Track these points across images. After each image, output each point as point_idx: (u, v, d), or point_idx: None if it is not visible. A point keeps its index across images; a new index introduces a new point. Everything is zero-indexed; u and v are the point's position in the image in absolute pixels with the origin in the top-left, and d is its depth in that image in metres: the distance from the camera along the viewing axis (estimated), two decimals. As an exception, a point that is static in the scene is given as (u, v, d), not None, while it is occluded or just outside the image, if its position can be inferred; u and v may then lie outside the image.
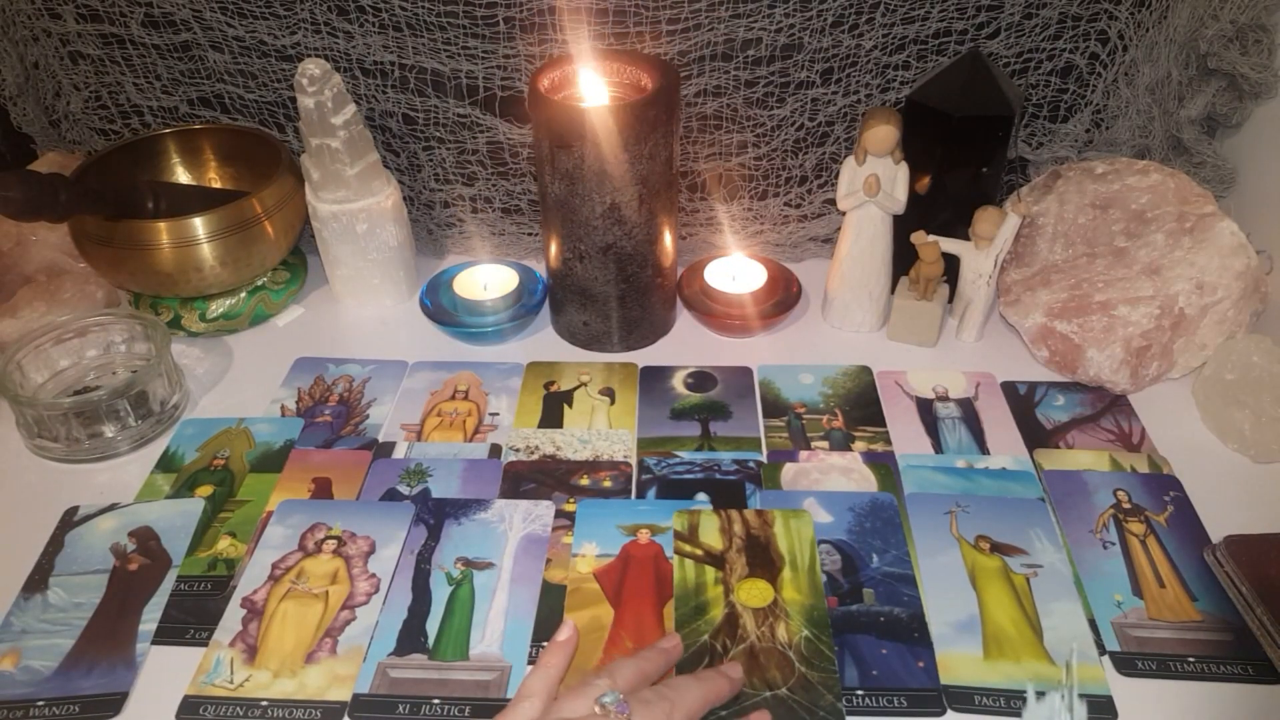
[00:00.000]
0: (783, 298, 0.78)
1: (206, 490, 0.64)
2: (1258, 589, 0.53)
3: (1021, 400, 0.71)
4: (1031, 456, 0.66)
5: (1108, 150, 0.82)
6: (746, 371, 0.75)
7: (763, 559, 0.58)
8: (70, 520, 0.62)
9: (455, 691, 0.51)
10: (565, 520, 0.61)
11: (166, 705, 0.51)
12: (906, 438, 0.68)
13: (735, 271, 0.80)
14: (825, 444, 0.68)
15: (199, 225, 0.72)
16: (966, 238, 0.73)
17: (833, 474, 0.64)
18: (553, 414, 0.71)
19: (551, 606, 0.56)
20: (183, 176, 0.84)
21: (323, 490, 0.64)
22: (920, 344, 0.77)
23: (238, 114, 0.85)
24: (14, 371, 0.68)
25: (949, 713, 0.50)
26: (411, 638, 0.54)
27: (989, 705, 0.50)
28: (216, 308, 0.78)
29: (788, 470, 0.65)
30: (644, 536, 0.60)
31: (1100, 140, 0.82)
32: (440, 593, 0.57)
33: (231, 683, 0.52)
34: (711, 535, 0.60)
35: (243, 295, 0.79)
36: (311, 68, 0.69)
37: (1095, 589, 0.56)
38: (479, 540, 0.60)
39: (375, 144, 0.77)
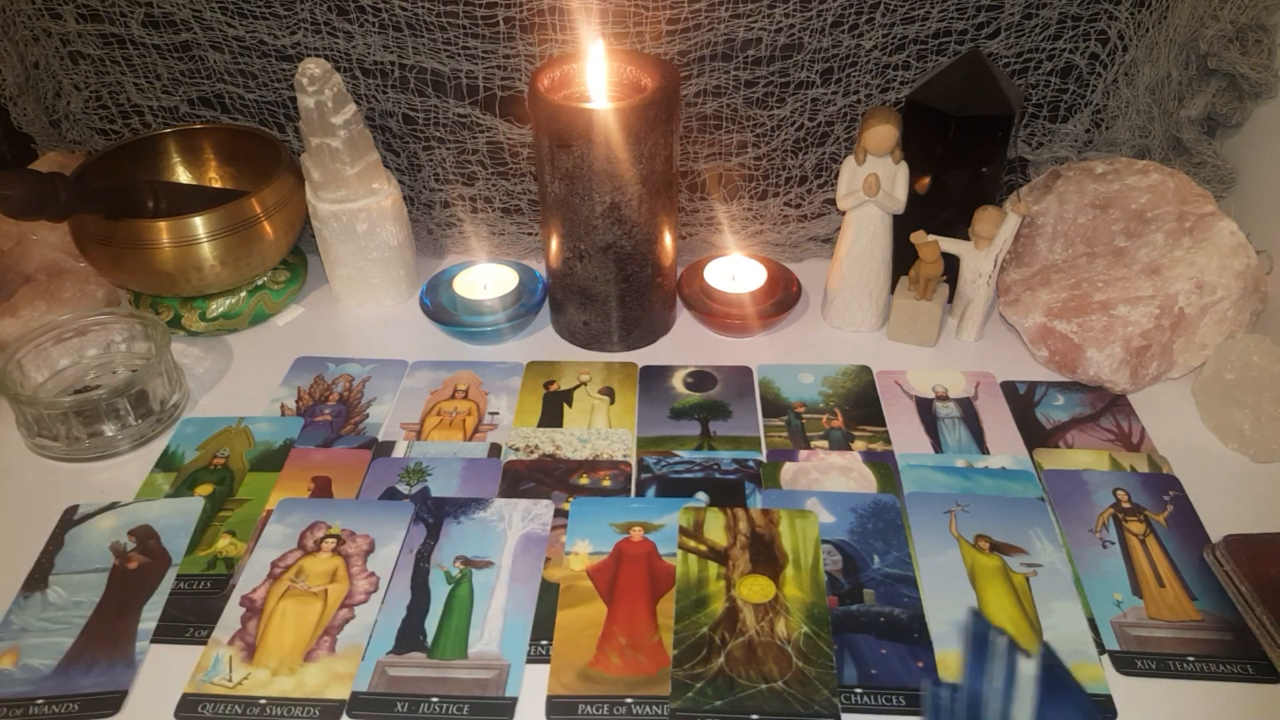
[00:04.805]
0: (782, 297, 0.78)
1: (206, 489, 0.64)
2: (1258, 588, 0.53)
3: (1021, 400, 0.71)
4: (1031, 456, 0.66)
5: (1108, 150, 0.82)
6: (746, 371, 0.75)
7: (766, 556, 0.58)
8: (70, 519, 0.62)
9: (454, 690, 0.51)
10: (564, 519, 0.61)
11: (165, 703, 0.51)
12: (906, 437, 0.68)
13: (735, 271, 0.80)
14: (825, 443, 0.67)
15: (199, 225, 0.72)
16: (966, 238, 0.73)
17: (832, 473, 0.64)
18: (552, 413, 0.71)
19: (550, 605, 0.56)
20: (183, 176, 0.84)
21: (322, 489, 0.64)
22: (920, 344, 0.77)
23: (238, 114, 0.85)
24: (14, 370, 0.68)
25: (948, 712, 0.50)
26: (410, 636, 0.54)
27: (988, 704, 0.50)
28: (216, 307, 0.78)
29: (787, 469, 0.65)
30: (637, 534, 0.60)
31: (1100, 140, 0.82)
32: (439, 591, 0.57)
33: (230, 681, 0.52)
34: (716, 532, 0.60)
35: (243, 295, 0.79)
36: (312, 67, 0.69)
37: (1095, 588, 0.56)
38: (478, 539, 0.60)
39: (375, 144, 0.77)
